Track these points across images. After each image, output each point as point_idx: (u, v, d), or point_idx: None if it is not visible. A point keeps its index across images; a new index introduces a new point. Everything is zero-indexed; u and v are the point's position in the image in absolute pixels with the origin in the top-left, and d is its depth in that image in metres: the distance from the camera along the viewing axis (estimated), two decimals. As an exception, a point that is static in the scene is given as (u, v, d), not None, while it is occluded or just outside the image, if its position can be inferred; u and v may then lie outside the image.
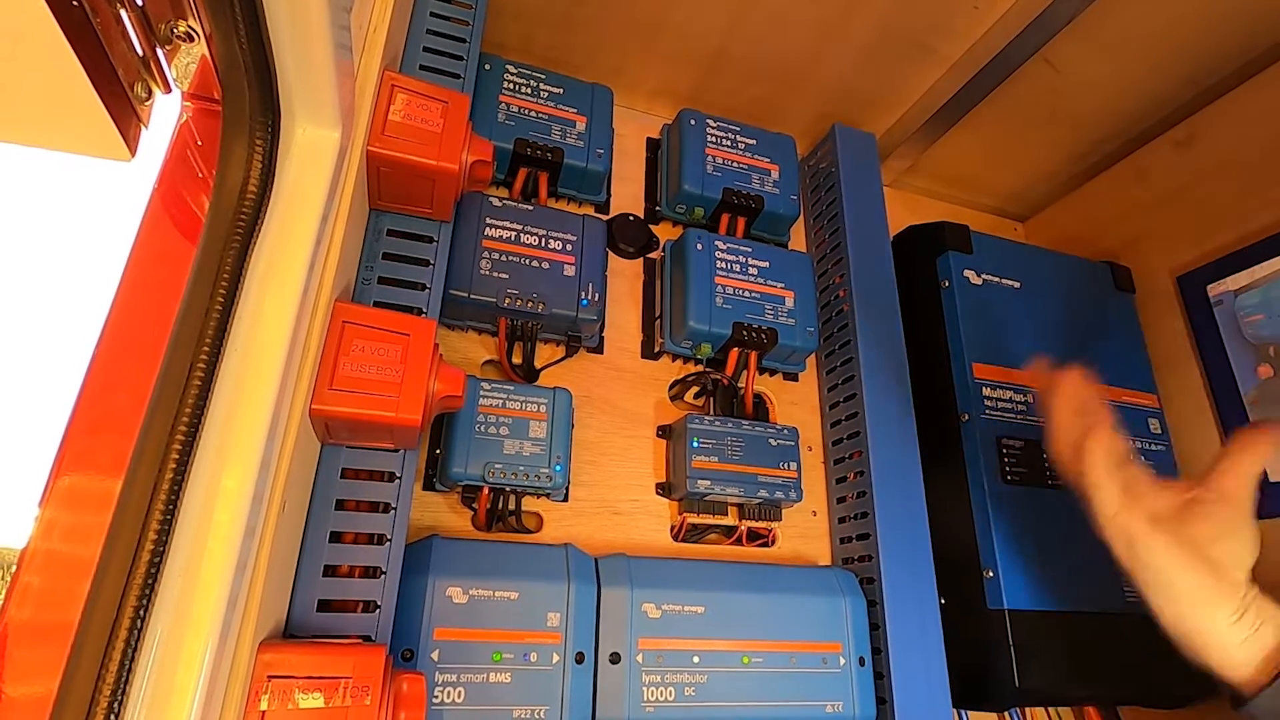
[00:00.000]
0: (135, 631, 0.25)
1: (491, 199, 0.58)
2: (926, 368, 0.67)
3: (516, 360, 0.59)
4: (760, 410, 0.68)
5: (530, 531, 0.55)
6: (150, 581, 0.26)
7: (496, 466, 0.51)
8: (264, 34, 0.31)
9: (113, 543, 0.26)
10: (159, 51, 0.33)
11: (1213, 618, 0.41)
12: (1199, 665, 0.42)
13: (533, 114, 0.63)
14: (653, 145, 0.74)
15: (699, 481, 0.57)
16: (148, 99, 0.33)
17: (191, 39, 0.33)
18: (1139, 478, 0.46)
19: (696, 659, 0.50)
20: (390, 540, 0.42)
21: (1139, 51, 0.68)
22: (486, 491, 0.52)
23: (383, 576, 0.41)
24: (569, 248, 0.59)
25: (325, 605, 0.39)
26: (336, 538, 0.41)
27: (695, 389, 0.66)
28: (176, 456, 0.27)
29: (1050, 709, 0.68)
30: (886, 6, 0.64)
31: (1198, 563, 0.42)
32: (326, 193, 0.36)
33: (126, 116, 0.32)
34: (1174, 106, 0.75)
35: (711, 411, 0.64)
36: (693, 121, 0.69)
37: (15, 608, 0.36)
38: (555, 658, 0.46)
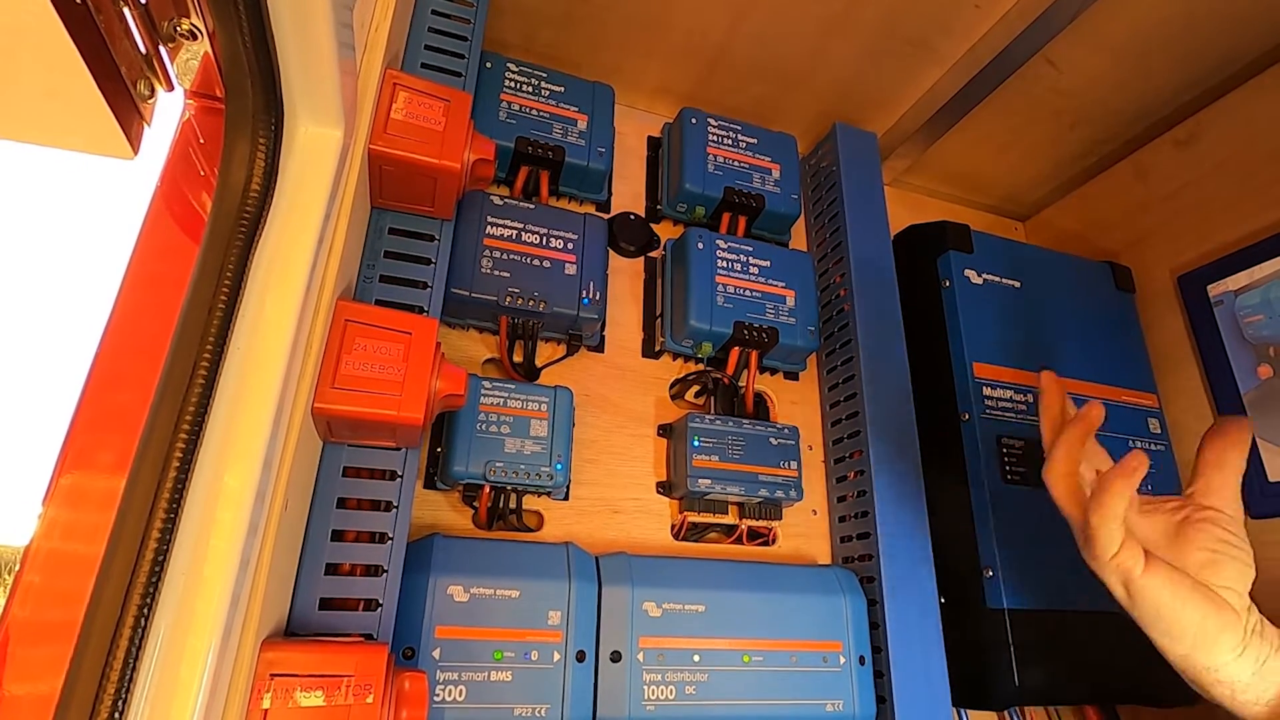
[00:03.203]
0: (139, 630, 0.25)
1: (493, 197, 0.58)
2: (927, 367, 0.67)
3: (517, 359, 0.59)
4: (761, 409, 0.68)
5: (531, 530, 0.55)
6: (154, 580, 0.26)
7: (497, 465, 0.51)
8: (267, 32, 0.31)
9: (116, 541, 0.26)
10: (162, 49, 0.33)
11: (1218, 653, 0.39)
12: (1210, 700, 0.40)
13: (534, 112, 0.63)
14: (654, 144, 0.74)
15: (700, 480, 0.57)
16: (150, 97, 0.33)
17: (194, 37, 0.33)
18: (1131, 505, 0.44)
19: (697, 658, 0.51)
20: (392, 538, 0.42)
21: (1140, 51, 0.68)
22: (487, 490, 0.52)
23: (384, 575, 0.41)
24: (570, 246, 0.59)
25: (327, 603, 0.39)
26: (338, 536, 0.41)
27: (696, 388, 0.66)
28: (180, 455, 0.27)
29: (1049, 708, 0.68)
30: (888, 6, 0.64)
31: (1196, 596, 0.40)
32: (329, 191, 0.36)
33: (129, 114, 0.32)
34: (1175, 106, 0.75)
35: (712, 410, 0.64)
36: (694, 120, 0.69)
37: (18, 606, 0.36)
38: (556, 656, 0.46)
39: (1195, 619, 0.39)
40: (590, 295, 0.58)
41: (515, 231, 0.57)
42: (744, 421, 0.61)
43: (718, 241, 0.65)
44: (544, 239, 0.58)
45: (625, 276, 0.67)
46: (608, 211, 0.69)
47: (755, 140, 0.71)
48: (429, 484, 0.53)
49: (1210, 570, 0.41)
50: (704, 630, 0.51)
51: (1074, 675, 0.58)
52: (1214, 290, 0.70)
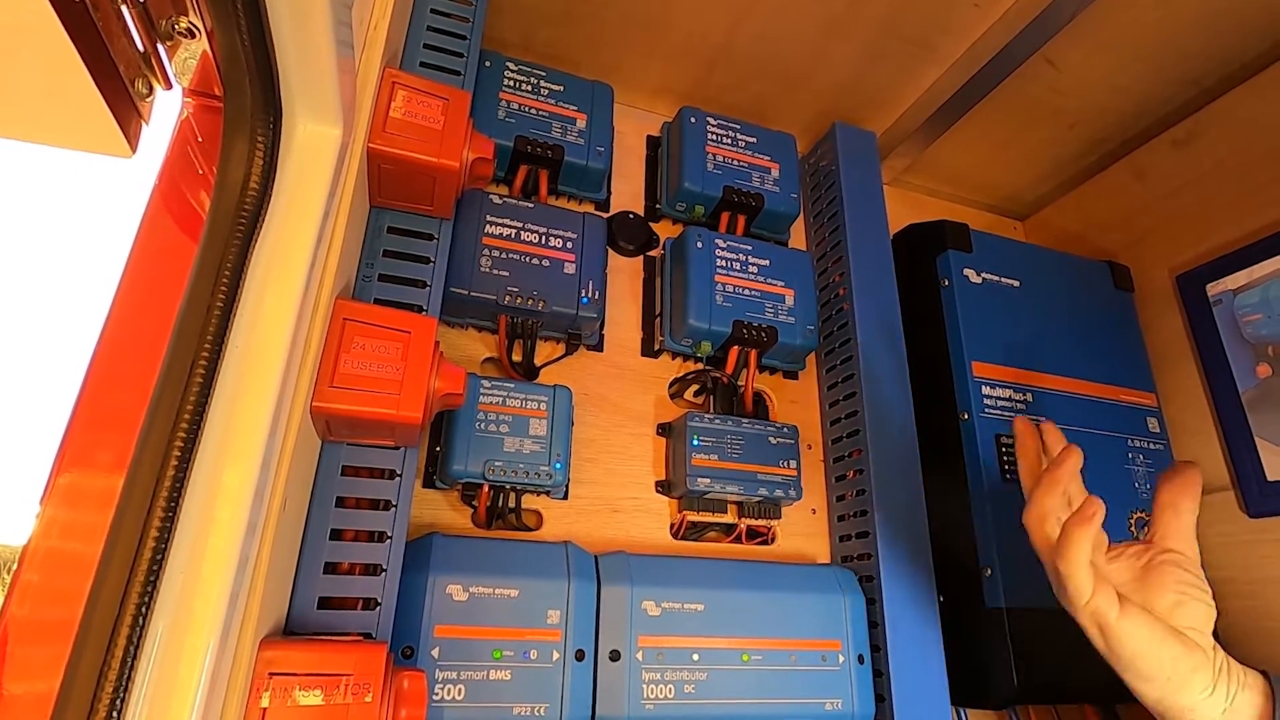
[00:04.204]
0: (137, 629, 0.25)
1: (492, 196, 0.58)
2: (926, 366, 0.67)
3: (516, 358, 0.59)
4: (760, 408, 0.68)
5: (530, 529, 0.55)
6: (152, 579, 0.26)
7: (496, 464, 0.51)
8: (266, 30, 0.31)
9: (114, 540, 0.26)
10: (160, 47, 0.33)
11: (1190, 694, 0.40)
12: None
13: (533, 111, 0.63)
14: (653, 143, 0.74)
15: (699, 479, 0.57)
16: (148, 95, 0.33)
17: (193, 35, 0.33)
18: (1100, 551, 0.45)
19: (696, 656, 0.51)
20: (391, 538, 0.42)
21: (1139, 51, 0.68)
22: (486, 489, 0.52)
23: (383, 574, 0.41)
24: (569, 245, 0.59)
25: (326, 602, 0.39)
26: (337, 535, 0.41)
27: (695, 387, 0.66)
28: (178, 454, 0.27)
29: (1048, 707, 0.68)
30: (887, 5, 0.64)
31: (1171, 638, 0.41)
32: (328, 190, 0.36)
33: (127, 113, 0.32)
34: (1174, 106, 0.75)
35: (711, 409, 0.64)
36: (693, 119, 0.69)
37: (16, 605, 0.36)
38: (555, 655, 0.46)
39: (1169, 661, 0.40)
40: (589, 294, 0.58)
41: (514, 230, 0.57)
42: (743, 420, 0.61)
43: (717, 240, 0.65)
44: (543, 238, 0.58)
45: (624, 275, 0.67)
46: (607, 210, 0.68)
47: (754, 139, 0.71)
48: (428, 483, 0.53)
49: (1179, 612, 0.42)
50: (703, 629, 0.51)
51: (1073, 674, 0.58)
52: (1213, 289, 0.70)
